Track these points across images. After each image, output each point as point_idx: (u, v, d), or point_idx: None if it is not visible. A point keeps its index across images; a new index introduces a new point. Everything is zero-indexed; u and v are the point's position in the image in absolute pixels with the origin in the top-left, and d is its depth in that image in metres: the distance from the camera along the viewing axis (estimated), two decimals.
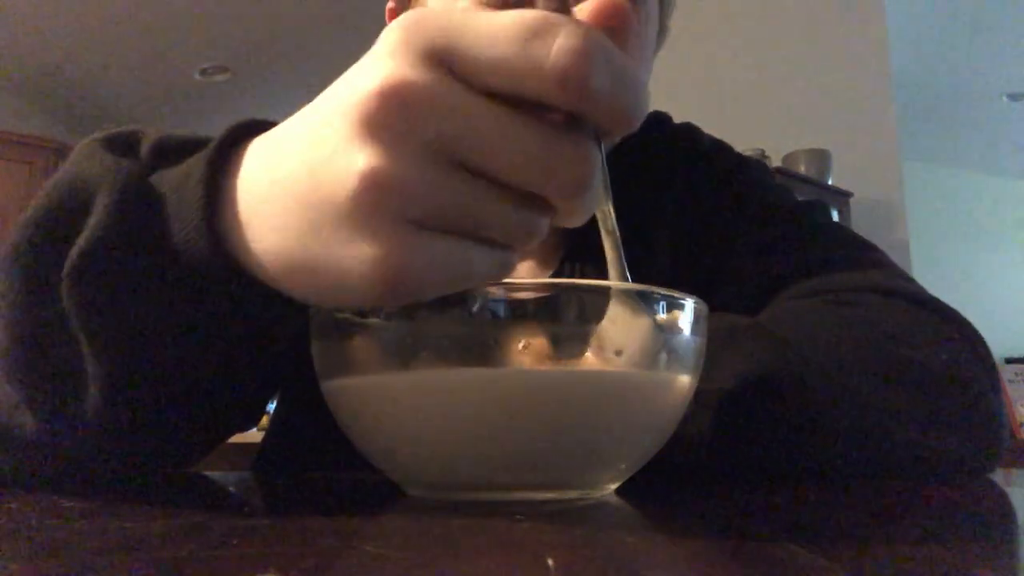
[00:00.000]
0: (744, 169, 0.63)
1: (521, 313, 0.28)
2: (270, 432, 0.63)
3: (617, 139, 0.46)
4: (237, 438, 0.72)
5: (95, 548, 0.21)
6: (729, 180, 0.61)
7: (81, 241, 0.31)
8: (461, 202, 0.24)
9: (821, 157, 2.51)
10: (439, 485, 0.30)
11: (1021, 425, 2.57)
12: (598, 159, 0.25)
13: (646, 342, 0.30)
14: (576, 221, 0.26)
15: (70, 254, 0.31)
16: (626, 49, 0.25)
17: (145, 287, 0.31)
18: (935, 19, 3.48)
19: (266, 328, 0.34)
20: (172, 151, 0.35)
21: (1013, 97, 4.16)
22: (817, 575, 0.18)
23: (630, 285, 0.29)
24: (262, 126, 0.30)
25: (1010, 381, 3.01)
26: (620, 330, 0.29)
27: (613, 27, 0.25)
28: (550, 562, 0.19)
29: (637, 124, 0.25)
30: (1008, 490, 0.42)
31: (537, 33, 0.22)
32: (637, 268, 0.56)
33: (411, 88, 0.23)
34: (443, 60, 0.23)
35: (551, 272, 0.59)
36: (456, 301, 0.28)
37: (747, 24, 2.72)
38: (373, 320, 0.29)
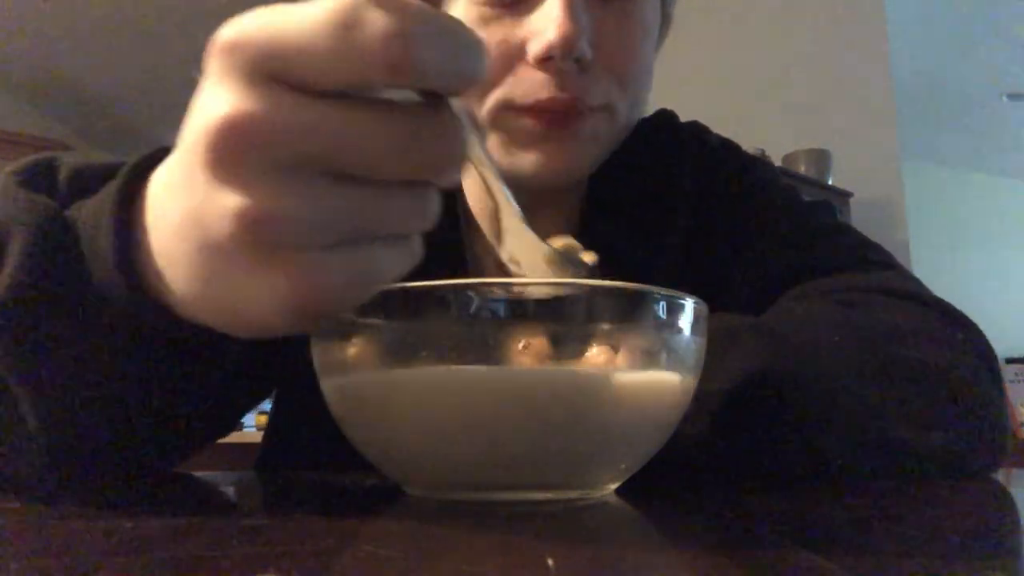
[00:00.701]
0: (752, 169, 0.62)
1: (521, 313, 0.28)
2: (268, 433, 0.62)
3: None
4: (236, 438, 0.72)
5: (95, 548, 0.21)
6: (737, 180, 0.61)
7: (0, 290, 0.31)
8: (343, 210, 0.23)
9: (821, 157, 2.51)
10: (439, 485, 0.30)
11: (1021, 425, 2.57)
12: (459, 123, 0.24)
13: (538, 260, 0.33)
14: (450, 183, 0.25)
15: None
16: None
17: (71, 328, 0.31)
18: (935, 19, 3.48)
19: (197, 353, 0.33)
20: (90, 179, 0.35)
21: (1013, 97, 4.16)
22: (817, 575, 0.18)
23: (630, 285, 0.29)
24: (167, 153, 0.29)
25: (1010, 381, 3.02)
26: (519, 246, 0.32)
27: None
28: (550, 562, 0.19)
29: (482, 75, 0.24)
30: (1009, 490, 0.42)
31: (348, 24, 0.21)
32: (648, 270, 0.56)
33: (248, 118, 0.22)
34: (272, 76, 0.22)
35: (575, 230, 0.58)
36: (456, 301, 0.28)
37: (747, 24, 2.72)
38: (373, 320, 0.29)
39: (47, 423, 0.33)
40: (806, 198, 0.62)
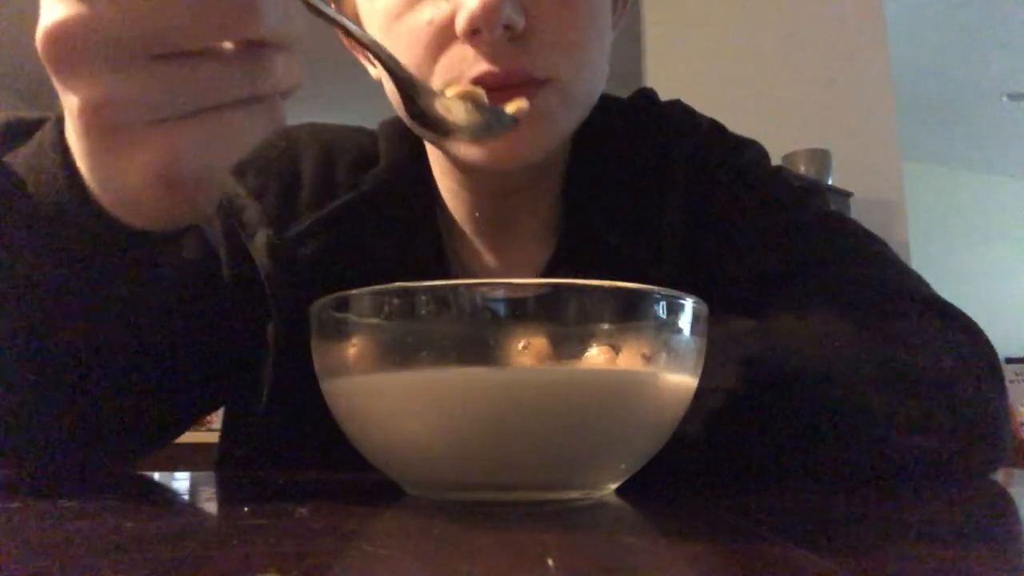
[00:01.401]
0: (741, 152, 0.60)
1: (521, 313, 0.28)
2: (224, 438, 0.60)
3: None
4: None
5: (95, 548, 0.21)
6: (730, 165, 0.58)
7: None
8: (173, 82, 0.27)
9: (821, 157, 2.51)
10: (439, 485, 0.30)
11: (1021, 425, 2.57)
12: None
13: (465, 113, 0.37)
14: (285, 40, 0.29)
15: None
16: None
17: (12, 240, 0.34)
18: (935, 19, 3.48)
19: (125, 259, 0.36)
20: (20, 134, 0.37)
21: (1013, 97, 4.16)
22: (816, 575, 0.18)
23: (630, 285, 0.29)
24: None
25: (1010, 381, 3.01)
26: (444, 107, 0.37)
27: None
28: (550, 562, 0.19)
29: None
30: (1009, 490, 0.42)
31: None
32: (642, 261, 0.54)
33: (62, 24, 0.26)
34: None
35: (548, 255, 0.56)
36: (456, 301, 0.28)
37: (747, 24, 2.71)
38: (373, 320, 0.29)
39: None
40: (796, 182, 0.59)
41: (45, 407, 0.40)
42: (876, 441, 0.41)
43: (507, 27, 0.44)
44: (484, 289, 0.28)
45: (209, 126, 0.28)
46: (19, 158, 0.35)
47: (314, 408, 0.34)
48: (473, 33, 0.44)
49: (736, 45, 2.70)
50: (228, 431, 0.59)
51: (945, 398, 0.43)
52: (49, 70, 0.27)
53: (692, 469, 0.40)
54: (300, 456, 0.51)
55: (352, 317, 0.30)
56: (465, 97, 0.40)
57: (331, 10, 0.32)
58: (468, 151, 0.48)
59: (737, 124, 0.65)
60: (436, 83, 0.46)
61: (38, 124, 0.37)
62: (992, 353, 0.47)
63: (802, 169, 2.44)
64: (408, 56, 0.47)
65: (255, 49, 0.28)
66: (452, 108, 0.39)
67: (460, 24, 0.44)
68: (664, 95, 0.64)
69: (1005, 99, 4.19)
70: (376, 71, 0.50)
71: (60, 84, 0.27)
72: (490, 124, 0.40)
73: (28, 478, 0.40)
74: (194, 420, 0.52)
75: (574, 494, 0.30)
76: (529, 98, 0.45)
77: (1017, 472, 0.55)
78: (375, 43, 0.34)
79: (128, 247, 0.34)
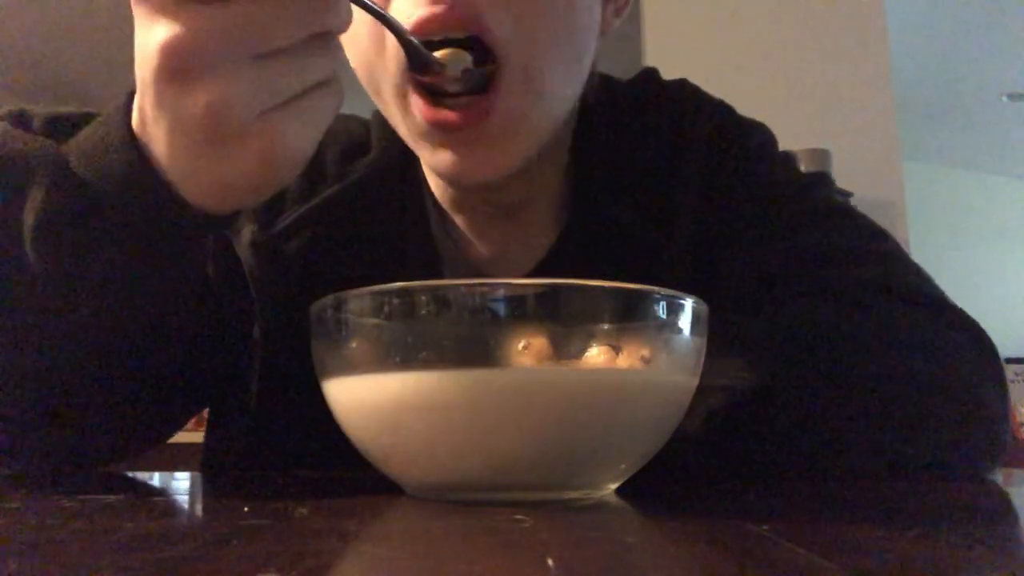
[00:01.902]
0: (752, 135, 0.58)
1: (521, 313, 0.28)
2: (209, 436, 0.59)
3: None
4: None
5: (95, 548, 0.21)
6: (739, 151, 0.56)
7: (33, 216, 0.35)
8: (239, 24, 0.30)
9: (821, 157, 2.51)
10: (439, 485, 0.30)
11: (1021, 425, 2.57)
12: None
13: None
14: None
15: (27, 223, 0.35)
16: None
17: (96, 234, 0.35)
18: (935, 19, 3.48)
19: (193, 263, 0.39)
20: (63, 126, 0.39)
21: (1013, 97, 4.16)
22: (817, 575, 0.18)
23: (630, 285, 0.29)
24: None
25: (1010, 381, 3.01)
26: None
27: None
28: (550, 562, 0.19)
29: None
30: (1009, 490, 0.42)
31: None
32: (655, 251, 0.53)
33: (174, 43, 0.30)
34: None
35: (549, 246, 0.55)
36: (456, 301, 0.28)
37: (746, 24, 2.71)
38: (373, 320, 0.29)
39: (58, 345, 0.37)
40: (803, 171, 0.58)
41: (33, 405, 0.40)
42: (876, 441, 0.41)
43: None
44: (484, 289, 0.28)
45: (303, 111, 0.32)
46: (78, 150, 0.36)
47: (302, 407, 0.34)
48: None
49: (736, 45, 2.70)
50: (213, 431, 0.58)
51: (946, 398, 0.42)
52: (163, 82, 0.31)
53: (692, 469, 0.40)
54: (287, 455, 0.50)
55: (352, 317, 0.30)
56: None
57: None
58: (436, 161, 0.46)
59: None
60: (390, 67, 0.45)
61: (82, 118, 0.39)
62: (994, 353, 0.47)
63: (802, 169, 2.43)
64: (361, 29, 0.45)
65: (324, 37, 0.32)
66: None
67: None
68: None
69: (1005, 99, 4.19)
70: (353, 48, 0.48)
71: (174, 93, 0.31)
72: (468, 74, 0.43)
73: (14, 475, 0.41)
74: (181, 421, 0.52)
75: (574, 494, 0.30)
76: (492, 116, 0.44)
77: (1017, 472, 0.55)
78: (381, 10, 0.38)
79: (193, 230, 0.36)
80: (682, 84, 0.60)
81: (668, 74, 0.62)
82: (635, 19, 2.55)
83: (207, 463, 0.58)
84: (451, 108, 0.44)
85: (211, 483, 0.42)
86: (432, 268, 0.54)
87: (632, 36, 2.56)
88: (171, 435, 0.52)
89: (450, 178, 0.48)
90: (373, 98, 0.49)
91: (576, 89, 0.50)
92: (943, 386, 0.43)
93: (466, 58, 0.43)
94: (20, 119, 0.41)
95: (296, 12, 0.31)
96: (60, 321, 0.36)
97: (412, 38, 0.40)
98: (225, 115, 0.31)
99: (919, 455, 0.41)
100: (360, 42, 0.46)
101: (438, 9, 0.41)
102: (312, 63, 0.32)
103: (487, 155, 0.46)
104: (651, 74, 0.61)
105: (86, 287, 0.36)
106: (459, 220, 0.56)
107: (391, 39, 0.43)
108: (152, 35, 0.31)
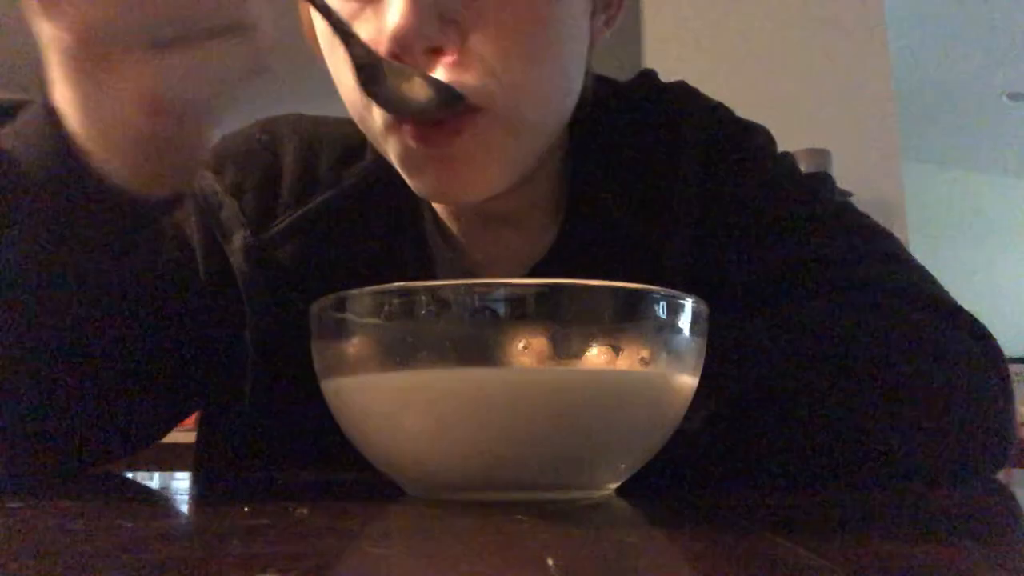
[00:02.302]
0: (751, 135, 0.58)
1: (521, 313, 0.28)
2: (200, 437, 0.59)
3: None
4: None
5: (95, 548, 0.21)
6: (740, 147, 0.56)
7: None
8: (161, 7, 0.28)
9: (821, 157, 2.51)
10: (439, 485, 0.30)
11: (1022, 425, 2.57)
12: None
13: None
14: None
15: None
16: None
17: (12, 207, 0.34)
18: (935, 19, 3.48)
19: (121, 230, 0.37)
20: (4, 112, 0.38)
21: (1013, 97, 4.16)
22: (817, 575, 0.18)
23: (630, 285, 0.29)
24: None
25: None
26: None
27: None
28: (550, 562, 0.19)
29: None
30: (1009, 490, 0.42)
31: None
32: (655, 251, 0.53)
33: None
34: None
35: (548, 246, 0.54)
36: (456, 301, 0.28)
37: (746, 24, 2.71)
38: (373, 320, 0.29)
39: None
40: (802, 174, 0.58)
41: (23, 406, 0.40)
42: (880, 443, 0.41)
43: (432, 50, 0.41)
44: (484, 289, 0.28)
45: (190, 52, 0.29)
46: (5, 131, 0.35)
47: (296, 408, 0.34)
48: (397, 57, 0.41)
49: (736, 45, 2.70)
50: (204, 434, 0.58)
51: (953, 404, 0.42)
52: (36, 3, 0.29)
53: (693, 469, 0.40)
54: (285, 456, 0.50)
55: (352, 317, 0.30)
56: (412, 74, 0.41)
57: None
58: (417, 183, 0.46)
59: None
60: (376, 112, 0.44)
61: (20, 105, 0.37)
62: (999, 355, 0.46)
63: (802, 169, 2.44)
64: (346, 81, 0.44)
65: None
66: (410, 86, 0.40)
67: (384, 46, 0.40)
68: None
69: (1005, 99, 4.19)
70: (330, 56, 0.46)
71: (46, 17, 0.29)
72: (443, 99, 0.41)
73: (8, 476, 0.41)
74: (173, 422, 0.52)
75: (574, 494, 0.30)
76: (465, 130, 0.42)
77: (1018, 472, 0.55)
78: (339, 19, 0.36)
79: (118, 215, 0.35)
80: (681, 86, 0.60)
81: (668, 75, 0.62)
82: (635, 19, 2.55)
83: (198, 463, 0.58)
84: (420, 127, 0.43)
85: (211, 483, 0.42)
86: (427, 273, 0.53)
87: (632, 36, 2.56)
88: (161, 436, 0.51)
89: (435, 199, 0.48)
90: (351, 114, 0.48)
91: (565, 114, 0.49)
92: (947, 387, 0.43)
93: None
94: None
95: None
96: (25, 311, 0.36)
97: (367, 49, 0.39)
98: (92, 42, 0.29)
99: (923, 457, 0.41)
100: (345, 87, 0.45)
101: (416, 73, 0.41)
102: (211, 1, 0.30)
103: (467, 174, 0.45)
104: (649, 76, 0.60)
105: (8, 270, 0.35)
106: (454, 226, 0.55)
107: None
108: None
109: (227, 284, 0.50)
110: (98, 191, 0.33)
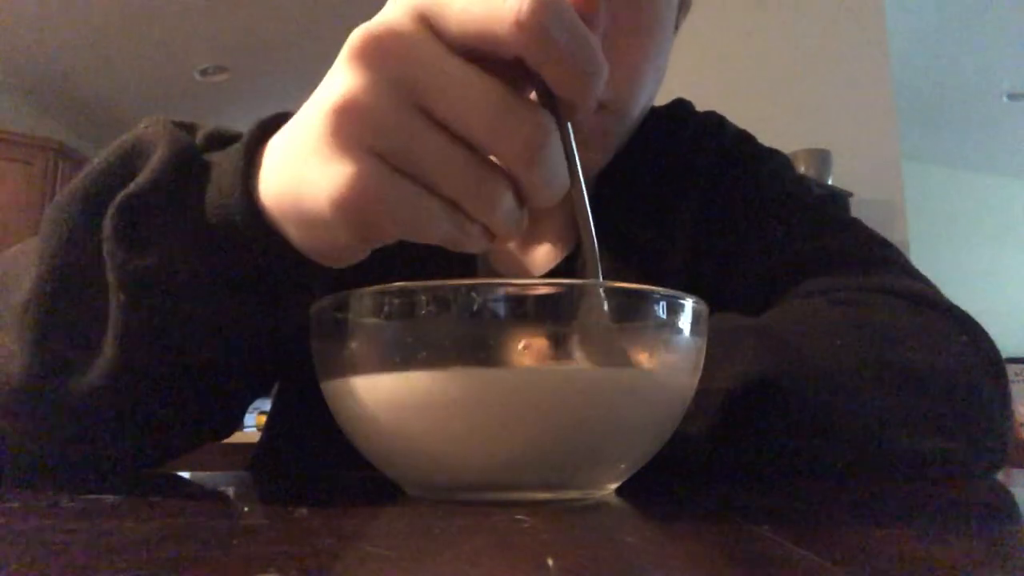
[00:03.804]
0: (765, 160, 0.62)
1: (521, 313, 0.28)
2: (266, 432, 0.62)
3: (583, 121, 0.46)
4: (235, 437, 0.72)
5: (95, 548, 0.21)
6: (749, 170, 0.60)
7: (131, 186, 0.34)
8: (422, 144, 0.27)
9: (821, 157, 2.51)
10: (439, 485, 0.30)
11: (1021, 425, 2.57)
12: (552, 128, 0.27)
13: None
14: (542, 199, 0.28)
15: (116, 197, 0.34)
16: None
17: (180, 238, 0.34)
18: (935, 19, 3.48)
19: (281, 289, 0.36)
20: (224, 140, 0.38)
21: (1013, 97, 4.16)
22: (816, 575, 0.18)
23: (630, 285, 0.29)
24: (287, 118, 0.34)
25: (1010, 381, 3.01)
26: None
27: (580, 4, 0.27)
28: (550, 562, 0.19)
29: (592, 92, 0.27)
30: (1009, 490, 0.42)
31: None
32: (656, 258, 0.55)
33: (393, 33, 0.26)
34: (426, 16, 0.27)
35: (567, 254, 0.58)
36: (456, 301, 0.28)
37: (747, 24, 2.72)
38: (373, 320, 0.29)
39: (124, 345, 0.35)
40: (817, 190, 0.61)
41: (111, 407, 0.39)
42: (878, 443, 0.41)
43: None
44: (484, 289, 0.28)
45: (415, 194, 0.27)
46: (213, 156, 0.36)
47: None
48: None
49: (736, 45, 2.70)
50: (272, 426, 0.61)
51: (949, 401, 0.42)
52: (328, 139, 0.27)
53: (693, 469, 0.40)
54: (338, 453, 0.51)
55: (352, 317, 0.30)
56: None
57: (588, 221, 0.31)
58: None
59: (738, 124, 0.65)
60: None
61: (236, 138, 0.38)
62: (996, 357, 0.46)
63: (802, 169, 2.44)
64: None
65: (502, 177, 0.28)
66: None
67: None
68: (664, 95, 0.64)
69: (1005, 99, 4.19)
70: None
71: (335, 154, 0.27)
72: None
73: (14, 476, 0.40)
74: (238, 416, 0.52)
75: (574, 494, 0.30)
76: (590, 124, 0.48)
77: (1017, 472, 0.55)
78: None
79: (273, 267, 0.34)
80: (710, 115, 0.65)
81: (668, 74, 0.63)
82: None
83: (258, 460, 0.60)
84: None
85: (211, 483, 0.42)
86: (468, 268, 0.56)
87: None
88: (233, 431, 0.52)
89: None
90: None
91: (653, 100, 0.56)
92: (945, 388, 0.43)
93: None
94: (188, 127, 0.40)
95: (495, 103, 0.26)
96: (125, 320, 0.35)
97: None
98: (348, 115, 0.27)
99: (922, 457, 0.41)
100: None
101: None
102: (465, 174, 0.27)
103: (583, 155, 0.49)
104: (683, 104, 0.66)
105: (148, 290, 0.34)
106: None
107: None
108: (329, 87, 0.28)
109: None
110: (265, 248, 0.33)
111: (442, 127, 0.27)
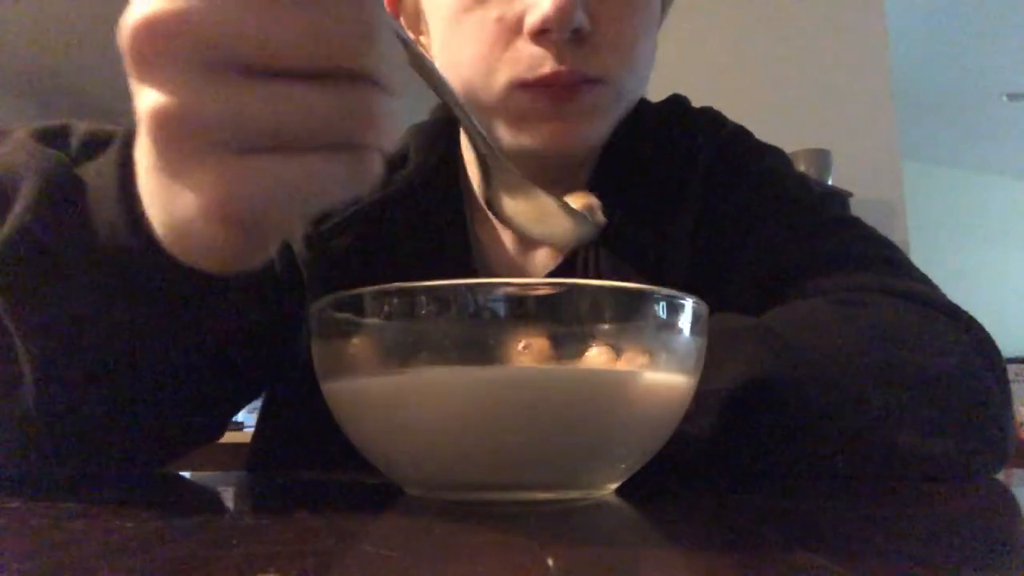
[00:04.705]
0: (765, 156, 0.61)
1: (521, 313, 0.28)
2: (257, 434, 0.61)
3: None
4: (235, 438, 0.72)
5: (95, 548, 0.21)
6: (749, 167, 0.59)
7: (6, 229, 0.32)
8: (261, 107, 0.22)
9: (821, 157, 2.51)
10: (439, 485, 0.30)
11: (1021, 425, 2.58)
12: (369, 3, 0.23)
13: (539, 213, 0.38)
14: (370, 65, 0.24)
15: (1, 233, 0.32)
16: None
17: (70, 270, 0.32)
18: (935, 19, 3.48)
19: (189, 311, 0.35)
20: (100, 144, 0.36)
21: (1013, 97, 4.16)
22: (817, 575, 0.18)
23: (630, 285, 0.29)
24: None
25: (1011, 381, 3.01)
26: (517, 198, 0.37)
27: None
28: (550, 562, 0.19)
29: None
30: (1010, 490, 0.42)
31: None
32: (656, 257, 0.55)
33: (160, 14, 0.22)
34: None
35: (563, 257, 0.58)
36: (456, 301, 0.28)
37: (746, 24, 2.72)
38: (373, 320, 0.29)
39: (42, 377, 0.34)
40: (816, 189, 0.60)
41: (99, 402, 0.39)
42: (879, 444, 0.41)
43: (575, 29, 0.47)
44: (484, 289, 0.28)
45: (289, 165, 0.23)
46: (89, 168, 0.34)
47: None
48: (541, 32, 0.47)
49: (736, 45, 2.70)
50: (262, 429, 0.60)
51: (950, 402, 0.42)
52: (129, 64, 0.23)
53: (693, 469, 0.40)
54: (331, 453, 0.50)
55: (352, 317, 0.30)
56: (584, 207, 0.44)
57: (438, 74, 0.32)
58: (531, 136, 0.51)
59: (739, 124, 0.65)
60: (500, 78, 0.49)
61: (112, 136, 0.36)
62: (998, 357, 0.46)
63: (802, 169, 2.44)
64: (472, 49, 0.50)
65: (359, 87, 0.23)
66: (549, 215, 0.42)
67: (532, 23, 0.47)
68: (664, 95, 0.64)
69: (1005, 99, 4.19)
70: (463, 19, 0.51)
71: (137, 83, 0.23)
72: (582, 235, 0.45)
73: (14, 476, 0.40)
74: (230, 417, 0.52)
75: (574, 494, 0.30)
76: (582, 95, 0.48)
77: (1017, 472, 0.55)
78: (475, 127, 0.36)
79: (180, 284, 0.32)
80: (707, 112, 0.64)
81: (668, 74, 0.64)
82: None
83: (253, 462, 0.60)
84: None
85: (211, 483, 0.42)
86: (467, 270, 0.57)
87: None
88: (223, 433, 0.52)
89: (543, 151, 0.51)
90: (449, 71, 0.52)
91: (646, 82, 0.56)
92: (947, 387, 0.43)
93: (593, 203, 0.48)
94: (62, 132, 0.39)
95: (320, 28, 0.22)
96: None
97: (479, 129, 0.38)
98: (178, 123, 0.23)
99: (923, 457, 0.41)
100: (479, 42, 0.50)
101: (563, 68, 0.47)
102: (328, 111, 0.23)
103: (577, 130, 0.51)
104: (679, 100, 0.65)
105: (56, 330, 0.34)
106: (492, 217, 0.58)
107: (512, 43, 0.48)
108: (135, 5, 0.22)
109: (295, 280, 0.53)
110: (163, 266, 0.29)
111: (266, 76, 0.23)
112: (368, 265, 0.55)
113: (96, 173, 0.34)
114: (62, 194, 0.33)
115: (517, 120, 0.51)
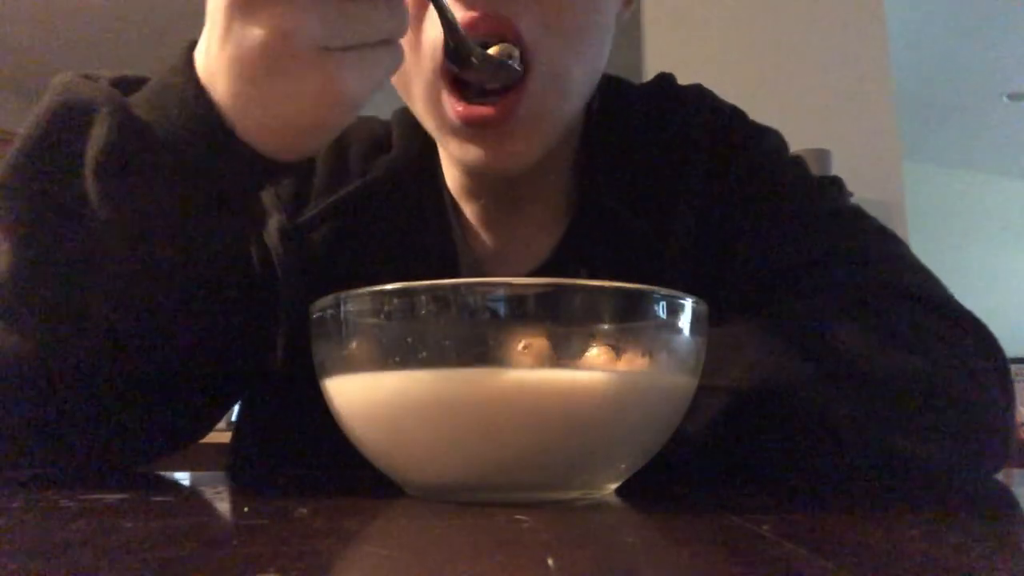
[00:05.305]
0: (762, 138, 0.58)
1: (521, 313, 0.28)
2: (235, 435, 0.60)
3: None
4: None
5: (95, 548, 0.21)
6: (746, 153, 0.57)
7: (99, 142, 0.36)
8: (344, 19, 0.33)
9: (821, 157, 2.51)
10: (439, 485, 0.30)
11: (1022, 425, 2.57)
12: None
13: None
14: None
15: (89, 152, 0.36)
16: None
17: (156, 173, 0.36)
18: (935, 19, 3.48)
19: (238, 196, 0.39)
20: (133, 84, 0.40)
21: (1013, 97, 4.16)
22: (816, 575, 0.18)
23: (630, 285, 0.29)
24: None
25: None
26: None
27: None
28: (550, 562, 0.19)
29: None
30: (1011, 490, 0.42)
31: None
32: (655, 250, 0.54)
33: None
34: None
35: (571, 202, 0.56)
36: (456, 301, 0.28)
37: (747, 23, 2.71)
38: (373, 320, 0.29)
39: (121, 286, 0.37)
40: (813, 176, 0.58)
41: (72, 403, 0.40)
42: (880, 445, 0.41)
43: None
44: (484, 289, 0.28)
45: (365, 59, 0.34)
46: (136, 99, 0.37)
47: (322, 403, 0.34)
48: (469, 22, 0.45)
49: (736, 45, 2.70)
50: (241, 431, 0.59)
51: (954, 405, 0.42)
52: (232, 9, 0.33)
53: (693, 469, 0.40)
54: (312, 452, 0.50)
55: (351, 316, 0.30)
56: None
57: None
58: (469, 153, 0.49)
59: None
60: (424, 40, 0.48)
61: (143, 80, 0.40)
62: (1002, 358, 0.46)
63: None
64: (415, 82, 0.49)
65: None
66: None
67: (459, 17, 0.44)
68: None
69: (1005, 99, 4.19)
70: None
71: (241, 22, 0.33)
72: (504, 69, 0.45)
73: (16, 476, 0.40)
74: (210, 420, 0.52)
75: (574, 494, 0.30)
76: (519, 101, 0.46)
77: (1017, 472, 0.55)
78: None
79: (249, 175, 0.37)
80: (696, 89, 0.61)
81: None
82: (635, 19, 2.55)
83: (234, 465, 0.59)
84: (483, 104, 0.46)
85: (212, 483, 0.42)
86: (449, 262, 0.55)
87: (632, 36, 2.56)
88: (205, 433, 0.51)
89: (479, 169, 0.50)
90: (401, 92, 0.51)
91: (594, 84, 0.53)
92: (949, 388, 0.42)
93: (514, 52, 0.45)
94: (91, 78, 0.41)
95: None
96: (113, 267, 0.37)
97: (463, 31, 0.42)
98: (286, 43, 0.32)
99: (924, 456, 0.41)
100: (425, 59, 0.48)
101: (473, 14, 0.45)
102: (383, 17, 0.34)
103: (513, 147, 0.49)
104: (666, 79, 0.62)
105: (142, 228, 0.37)
106: (469, 211, 0.57)
107: (427, 37, 0.46)
108: None
109: (268, 272, 0.52)
110: (237, 154, 0.36)
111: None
112: (347, 257, 0.53)
113: (154, 100, 0.37)
114: (129, 115, 0.36)
115: (459, 137, 0.49)
